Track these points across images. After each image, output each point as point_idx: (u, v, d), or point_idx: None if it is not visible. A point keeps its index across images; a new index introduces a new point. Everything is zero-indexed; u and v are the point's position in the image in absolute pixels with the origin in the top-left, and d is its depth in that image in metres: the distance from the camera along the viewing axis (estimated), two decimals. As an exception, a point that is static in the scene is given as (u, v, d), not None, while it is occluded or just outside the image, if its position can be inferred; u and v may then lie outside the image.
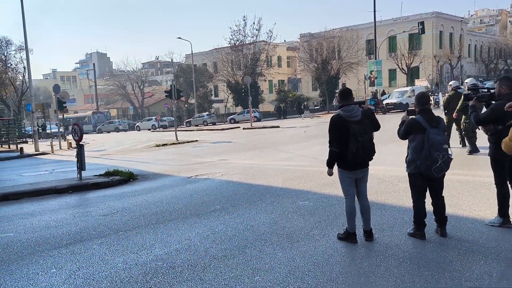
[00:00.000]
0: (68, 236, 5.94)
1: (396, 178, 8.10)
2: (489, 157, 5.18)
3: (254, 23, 49.74)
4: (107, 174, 11.12)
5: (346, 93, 4.89)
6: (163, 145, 21.47)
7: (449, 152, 4.61)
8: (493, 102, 5.11)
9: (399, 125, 5.05)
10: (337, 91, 48.17)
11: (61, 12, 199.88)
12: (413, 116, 4.87)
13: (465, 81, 11.54)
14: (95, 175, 11.21)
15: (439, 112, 11.87)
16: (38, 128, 25.29)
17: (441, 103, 11.37)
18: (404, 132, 4.86)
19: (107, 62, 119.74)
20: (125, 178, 10.63)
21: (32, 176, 12.81)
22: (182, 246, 5.18)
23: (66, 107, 24.51)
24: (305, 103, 46.11)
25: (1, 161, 19.73)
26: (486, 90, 5.32)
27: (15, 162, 19.10)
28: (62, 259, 5.03)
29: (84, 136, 44.74)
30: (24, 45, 25.46)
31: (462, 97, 8.74)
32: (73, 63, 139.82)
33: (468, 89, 5.88)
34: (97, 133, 50.18)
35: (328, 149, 4.82)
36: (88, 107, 73.95)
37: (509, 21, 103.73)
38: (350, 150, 4.63)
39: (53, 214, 7.50)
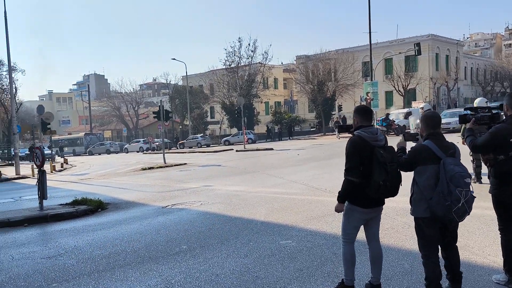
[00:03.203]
0: (-9, 289, 4.84)
1: (393, 210, 6.97)
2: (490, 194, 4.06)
3: (249, 44, 49.40)
4: (74, 203, 10.01)
5: (368, 112, 3.95)
6: (149, 168, 20.40)
7: (471, 189, 3.47)
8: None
9: (397, 152, 4.02)
10: (333, 113, 47.36)
11: (60, 33, 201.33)
12: (420, 142, 3.81)
13: (420, 107, 10.55)
14: (60, 204, 10.10)
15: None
16: (18, 151, 24.13)
17: (412, 127, 10.26)
18: (409, 162, 3.70)
19: (104, 84, 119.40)
20: (93, 207, 9.52)
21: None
22: (124, 306, 4.10)
23: (50, 128, 23.50)
24: (338, 120, 39.95)
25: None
26: (487, 110, 4.30)
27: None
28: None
29: (74, 158, 43.81)
30: (7, 65, 24.67)
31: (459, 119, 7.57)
32: (71, 84, 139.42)
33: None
34: (88, 155, 49.13)
35: (344, 178, 3.74)
36: (82, 128, 73.03)
37: (504, 45, 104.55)
38: (374, 182, 3.58)
39: (-9, 254, 6.39)
